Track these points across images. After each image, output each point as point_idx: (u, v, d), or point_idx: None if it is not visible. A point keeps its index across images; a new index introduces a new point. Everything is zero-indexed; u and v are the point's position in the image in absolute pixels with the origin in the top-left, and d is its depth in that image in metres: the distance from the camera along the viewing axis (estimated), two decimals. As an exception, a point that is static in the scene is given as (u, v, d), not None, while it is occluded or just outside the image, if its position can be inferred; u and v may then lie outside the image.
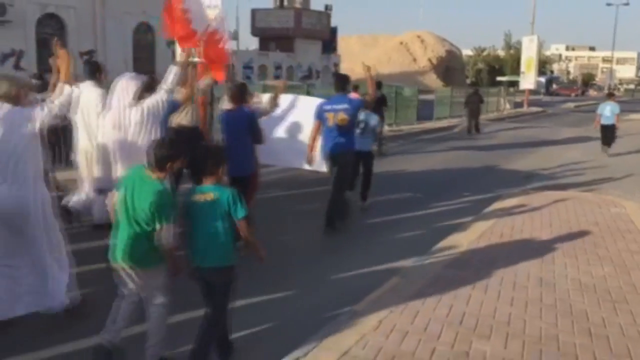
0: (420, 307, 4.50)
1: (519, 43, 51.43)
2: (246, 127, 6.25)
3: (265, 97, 7.90)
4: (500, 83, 50.27)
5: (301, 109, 8.36)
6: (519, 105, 34.78)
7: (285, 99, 8.33)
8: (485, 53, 79.74)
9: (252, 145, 6.39)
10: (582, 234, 6.76)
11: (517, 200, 8.62)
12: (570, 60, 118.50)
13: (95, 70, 6.58)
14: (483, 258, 5.77)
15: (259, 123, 6.41)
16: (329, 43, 43.12)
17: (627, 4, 53.17)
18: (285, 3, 39.36)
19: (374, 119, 8.31)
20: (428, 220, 7.73)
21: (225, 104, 6.81)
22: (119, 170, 5.64)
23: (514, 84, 43.36)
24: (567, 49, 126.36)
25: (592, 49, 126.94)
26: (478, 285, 5.00)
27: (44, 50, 23.35)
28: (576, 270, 5.46)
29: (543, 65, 71.72)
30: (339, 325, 4.18)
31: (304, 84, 23.60)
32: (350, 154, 7.06)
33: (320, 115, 7.02)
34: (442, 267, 5.50)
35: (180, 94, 6.08)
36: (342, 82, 7.23)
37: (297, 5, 39.33)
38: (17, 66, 22.12)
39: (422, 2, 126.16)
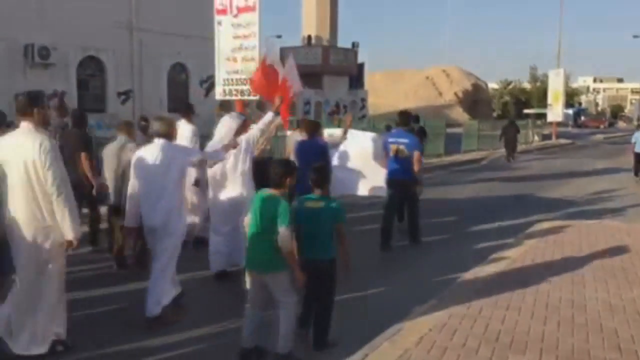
0: (458, 326, 4.81)
1: (545, 75, 51.74)
2: (318, 156, 7.14)
3: (337, 131, 8.91)
4: (527, 115, 50.44)
5: (352, 142, 8.99)
6: (547, 137, 34.89)
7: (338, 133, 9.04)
8: (511, 86, 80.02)
9: None
10: (611, 259, 6.99)
11: (549, 228, 8.88)
12: (598, 92, 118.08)
13: (188, 110, 8.54)
14: (516, 281, 6.05)
15: (329, 153, 7.59)
16: (356, 79, 43.90)
17: (654, 36, 53.02)
18: (313, 41, 40.35)
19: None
20: (466, 245, 8.29)
21: (298, 135, 8.10)
22: (218, 195, 6.52)
23: (541, 116, 43.49)
24: (595, 80, 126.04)
25: (620, 80, 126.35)
26: (512, 306, 5.29)
27: (84, 90, 24.50)
28: (606, 293, 5.71)
29: (571, 98, 71.71)
30: (382, 340, 4.52)
31: (332, 118, 24.21)
32: (406, 180, 8.14)
33: (386, 146, 8.37)
34: (477, 289, 5.80)
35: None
36: (404, 118, 8.66)
37: (325, 43, 40.26)
38: (59, 107, 23.12)
39: (447, 38, 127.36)
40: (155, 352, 4.64)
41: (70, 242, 4.40)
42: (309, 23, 40.49)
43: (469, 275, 6.33)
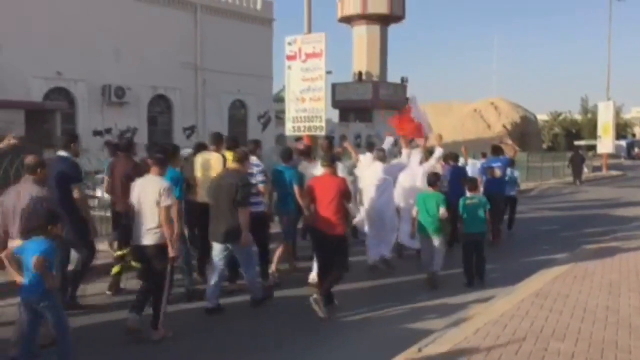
0: (509, 322, 5.81)
1: (597, 107, 51.62)
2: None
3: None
4: (579, 148, 50.32)
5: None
6: (598, 169, 35.03)
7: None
8: (561, 118, 79.52)
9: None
10: (648, 276, 7.82)
11: (595, 249, 9.76)
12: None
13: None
14: (559, 292, 7.00)
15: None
16: (406, 113, 45.10)
17: None
18: (364, 77, 41.83)
19: (516, 173, 12.68)
20: (524, 258, 9.83)
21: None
22: (408, 200, 8.97)
23: (593, 148, 43.47)
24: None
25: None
26: (555, 309, 6.26)
27: (154, 126, 26.45)
28: (639, 301, 6.58)
29: (624, 129, 70.76)
30: (456, 324, 5.58)
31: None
32: (501, 195, 11.16)
33: (483, 171, 11.31)
34: (525, 297, 6.77)
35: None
36: (497, 150, 12.04)
37: (375, 78, 41.69)
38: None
39: (495, 70, 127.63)
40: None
41: None
42: (360, 60, 42.07)
43: (522, 285, 7.45)
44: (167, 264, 5.73)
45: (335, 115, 43.30)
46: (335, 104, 42.41)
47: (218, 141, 7.90)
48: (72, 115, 22.74)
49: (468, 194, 8.26)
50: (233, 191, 6.34)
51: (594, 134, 50.04)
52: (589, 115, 71.50)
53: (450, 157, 10.77)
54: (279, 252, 8.24)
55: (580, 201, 19.30)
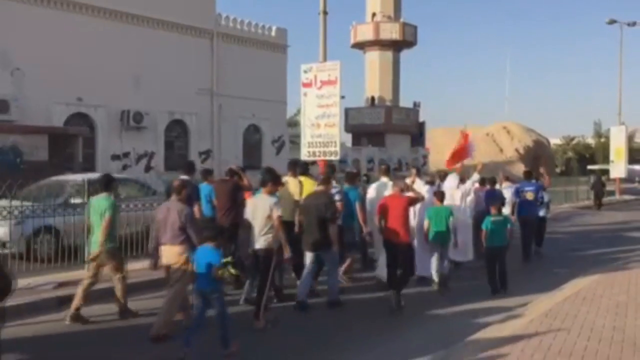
0: (518, 340, 6.05)
1: (610, 131, 51.65)
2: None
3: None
4: (591, 172, 50.28)
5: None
6: (610, 193, 35.02)
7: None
8: (574, 142, 79.47)
9: None
10: (655, 297, 8.02)
11: (600, 274, 9.94)
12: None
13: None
14: (568, 312, 7.22)
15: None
16: (418, 137, 45.41)
17: None
18: (376, 102, 42.32)
19: (547, 196, 13.38)
20: (539, 280, 10.04)
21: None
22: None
23: (606, 172, 43.48)
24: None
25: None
26: (562, 327, 6.49)
27: (170, 150, 26.98)
28: (645, 321, 6.79)
29: (637, 153, 70.53)
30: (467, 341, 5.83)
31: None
32: (534, 216, 12.16)
33: (517, 194, 12.18)
34: (534, 317, 7.01)
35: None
36: (529, 175, 13.42)
37: (387, 103, 42.16)
38: (148, 167, 25.63)
39: (507, 94, 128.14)
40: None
41: None
42: (372, 84, 42.60)
43: (532, 305, 7.78)
44: (272, 263, 7.01)
45: (348, 139, 43.77)
46: (348, 127, 42.87)
47: (294, 167, 9.11)
48: (91, 139, 23.31)
49: (493, 212, 9.13)
50: (322, 209, 7.80)
51: (607, 158, 50.16)
52: (602, 139, 71.41)
53: (489, 180, 11.97)
54: (348, 262, 9.44)
55: (594, 224, 19.44)
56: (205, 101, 28.04)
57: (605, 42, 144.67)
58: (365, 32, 41.28)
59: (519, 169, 57.25)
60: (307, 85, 12.59)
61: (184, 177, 8.62)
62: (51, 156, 16.80)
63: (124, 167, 24.51)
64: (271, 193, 7.17)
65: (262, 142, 31.17)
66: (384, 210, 8.07)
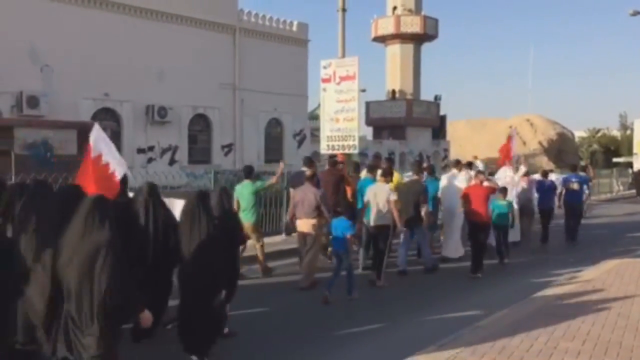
0: (524, 324, 6.35)
1: (634, 123, 51.06)
2: None
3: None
4: (616, 164, 49.82)
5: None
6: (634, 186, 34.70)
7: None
8: (599, 134, 78.52)
9: None
10: (664, 287, 8.24)
11: (618, 263, 10.19)
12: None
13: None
14: (576, 300, 7.48)
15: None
16: (439, 130, 45.40)
17: None
18: (397, 95, 42.41)
19: (586, 190, 15.39)
20: (559, 266, 10.80)
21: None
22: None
23: (631, 165, 43.10)
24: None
25: None
26: (568, 315, 6.75)
27: (193, 144, 27.53)
28: (651, 308, 7.03)
29: (663, 145, 69.39)
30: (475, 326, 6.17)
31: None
32: (577, 204, 13.83)
33: (565, 184, 13.89)
34: (549, 300, 7.29)
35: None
36: (574, 168, 15.22)
37: (408, 96, 42.22)
38: (172, 160, 26.22)
39: (530, 86, 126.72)
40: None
41: None
42: (393, 78, 42.68)
43: (548, 289, 8.15)
44: (389, 237, 9.03)
45: (368, 132, 43.96)
46: (369, 121, 43.07)
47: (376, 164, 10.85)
48: (117, 133, 23.86)
49: (500, 197, 10.81)
50: (417, 194, 9.91)
51: (632, 151, 49.65)
52: (628, 132, 70.47)
53: (542, 173, 14.14)
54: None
55: (615, 215, 19.50)
56: (227, 95, 28.49)
57: (630, 33, 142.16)
58: (387, 26, 41.36)
59: (543, 161, 57.00)
60: (326, 80, 12.90)
61: (304, 169, 10.16)
62: (80, 150, 17.35)
63: (149, 160, 25.10)
64: (388, 182, 9.25)
65: (284, 136, 31.56)
66: (467, 198, 10.09)
